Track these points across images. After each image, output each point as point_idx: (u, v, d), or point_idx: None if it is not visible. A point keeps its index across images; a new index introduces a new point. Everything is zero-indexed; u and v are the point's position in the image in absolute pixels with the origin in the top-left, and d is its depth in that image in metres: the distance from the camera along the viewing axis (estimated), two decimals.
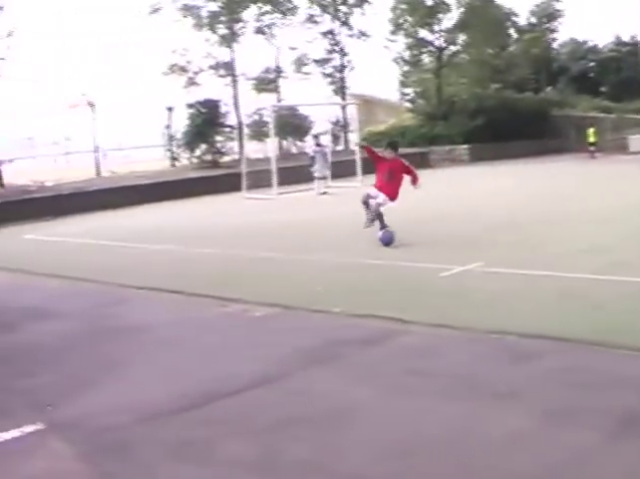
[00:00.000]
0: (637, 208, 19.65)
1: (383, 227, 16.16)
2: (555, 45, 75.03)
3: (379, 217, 16.26)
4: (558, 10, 72.36)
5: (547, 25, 72.53)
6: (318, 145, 35.09)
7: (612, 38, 73.10)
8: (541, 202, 23.25)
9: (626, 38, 71.01)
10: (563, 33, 74.31)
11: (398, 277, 12.78)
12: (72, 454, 6.13)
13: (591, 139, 48.45)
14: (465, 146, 51.26)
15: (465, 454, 5.62)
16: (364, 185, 33.21)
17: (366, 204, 16.62)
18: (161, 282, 13.55)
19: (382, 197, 16.40)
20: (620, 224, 17.05)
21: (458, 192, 29.65)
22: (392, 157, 17.02)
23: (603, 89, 69.23)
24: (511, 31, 69.30)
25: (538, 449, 5.59)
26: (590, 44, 74.04)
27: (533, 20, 72.35)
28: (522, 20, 70.99)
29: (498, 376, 7.32)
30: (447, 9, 58.58)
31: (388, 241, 15.86)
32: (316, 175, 33.50)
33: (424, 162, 47.34)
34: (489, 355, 8.11)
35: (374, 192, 16.64)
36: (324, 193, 32.66)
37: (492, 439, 5.85)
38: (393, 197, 16.57)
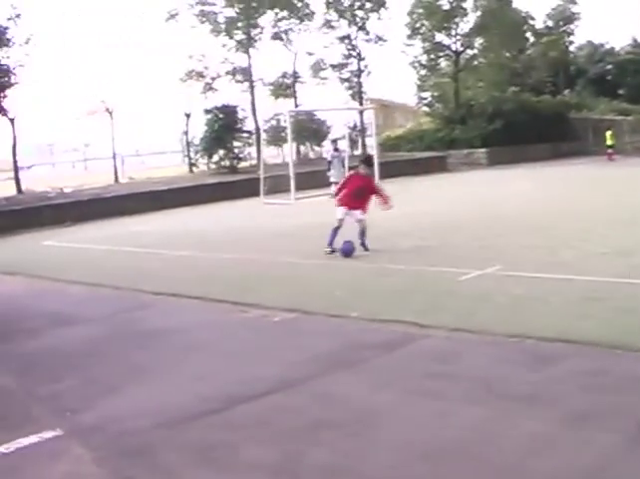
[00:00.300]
0: None
1: (363, 240, 16.20)
2: (572, 48, 74.95)
3: (363, 232, 16.18)
4: (575, 13, 72.36)
5: (564, 28, 72.46)
6: (336, 150, 35.04)
7: (629, 40, 73.01)
8: (560, 205, 23.19)
9: None
10: (580, 36, 74.35)
11: (416, 282, 12.77)
12: (92, 459, 6.15)
13: (609, 141, 48.32)
14: (483, 149, 51.20)
15: (487, 457, 5.62)
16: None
17: (338, 229, 16.30)
18: (181, 288, 13.59)
19: (358, 213, 16.25)
20: None
21: (475, 195, 29.59)
22: (365, 173, 16.76)
23: (621, 91, 68.98)
24: (529, 34, 69.24)
25: (559, 452, 5.59)
26: (607, 46, 73.87)
27: (550, 23, 72.27)
28: (539, 23, 71.01)
29: (518, 380, 7.31)
30: (464, 13, 58.55)
31: (349, 253, 15.70)
32: (332, 179, 33.44)
33: (442, 166, 47.43)
34: (509, 359, 8.10)
35: (342, 213, 16.40)
36: None
37: (514, 442, 5.85)
38: (364, 211, 16.39)
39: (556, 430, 6.00)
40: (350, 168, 34.79)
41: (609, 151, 47.75)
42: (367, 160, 17.57)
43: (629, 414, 6.23)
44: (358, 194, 16.33)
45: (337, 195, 16.99)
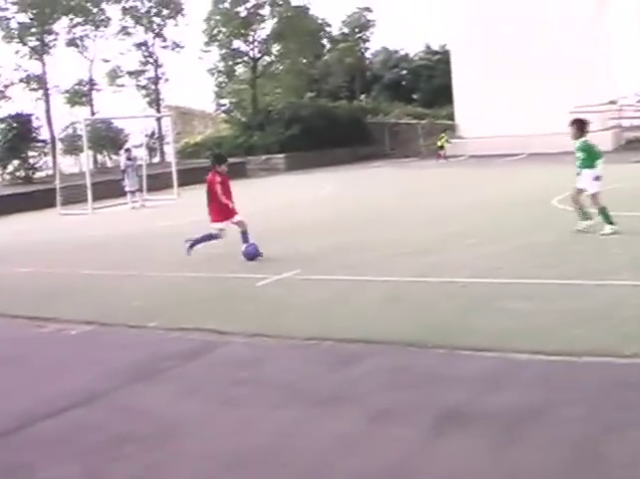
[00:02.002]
0: (454, 210, 20.18)
1: (201, 242, 15.62)
2: (368, 54, 76.77)
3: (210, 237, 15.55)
4: (370, 20, 74.16)
5: (360, 35, 74.14)
6: (129, 159, 34.59)
7: (423, 47, 75.31)
8: (358, 207, 23.55)
9: (436, 47, 73.15)
10: (376, 42, 76.23)
11: (215, 289, 12.68)
12: None
13: (440, 143, 49.56)
14: (281, 155, 51.62)
15: (292, 462, 5.62)
16: (181, 197, 33.19)
17: (215, 238, 15.50)
18: None
19: (236, 217, 15.45)
20: (438, 226, 17.43)
21: (272, 201, 29.62)
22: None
23: (415, 96, 71.13)
24: (325, 41, 70.46)
25: (363, 450, 5.68)
26: (402, 53, 76.03)
27: (346, 30, 73.76)
28: (335, 30, 72.33)
29: (320, 382, 7.36)
30: (261, 20, 59.05)
31: (254, 255, 14.84)
32: (127, 189, 33.11)
33: (241, 172, 47.49)
34: (310, 361, 8.15)
35: (225, 225, 15.48)
36: (141, 206, 32.35)
37: (319, 444, 5.88)
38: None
39: (360, 429, 6.09)
40: (149, 176, 34.64)
41: (440, 152, 48.94)
42: (223, 157, 16.63)
43: (427, 409, 6.38)
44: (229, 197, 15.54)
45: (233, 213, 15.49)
